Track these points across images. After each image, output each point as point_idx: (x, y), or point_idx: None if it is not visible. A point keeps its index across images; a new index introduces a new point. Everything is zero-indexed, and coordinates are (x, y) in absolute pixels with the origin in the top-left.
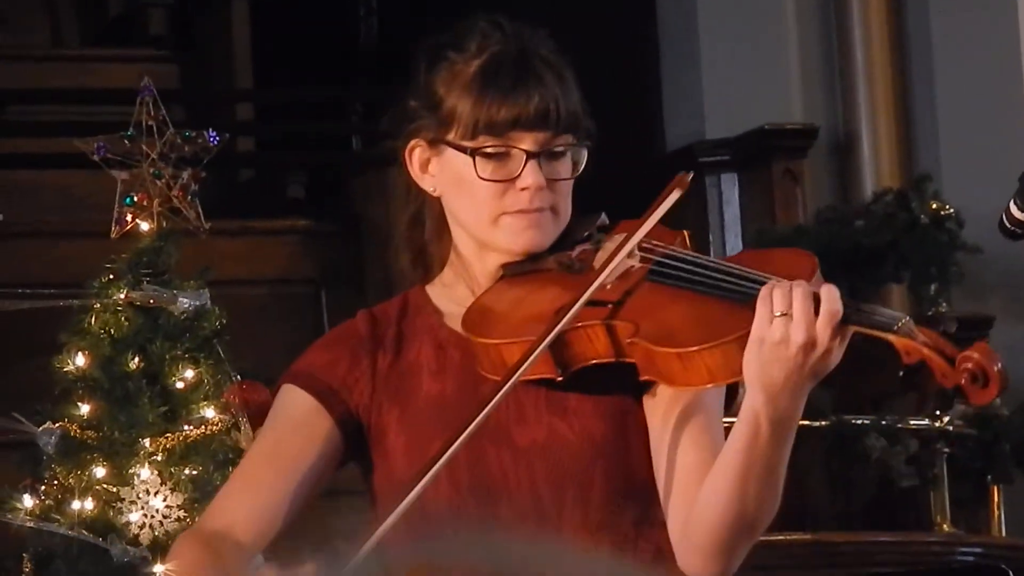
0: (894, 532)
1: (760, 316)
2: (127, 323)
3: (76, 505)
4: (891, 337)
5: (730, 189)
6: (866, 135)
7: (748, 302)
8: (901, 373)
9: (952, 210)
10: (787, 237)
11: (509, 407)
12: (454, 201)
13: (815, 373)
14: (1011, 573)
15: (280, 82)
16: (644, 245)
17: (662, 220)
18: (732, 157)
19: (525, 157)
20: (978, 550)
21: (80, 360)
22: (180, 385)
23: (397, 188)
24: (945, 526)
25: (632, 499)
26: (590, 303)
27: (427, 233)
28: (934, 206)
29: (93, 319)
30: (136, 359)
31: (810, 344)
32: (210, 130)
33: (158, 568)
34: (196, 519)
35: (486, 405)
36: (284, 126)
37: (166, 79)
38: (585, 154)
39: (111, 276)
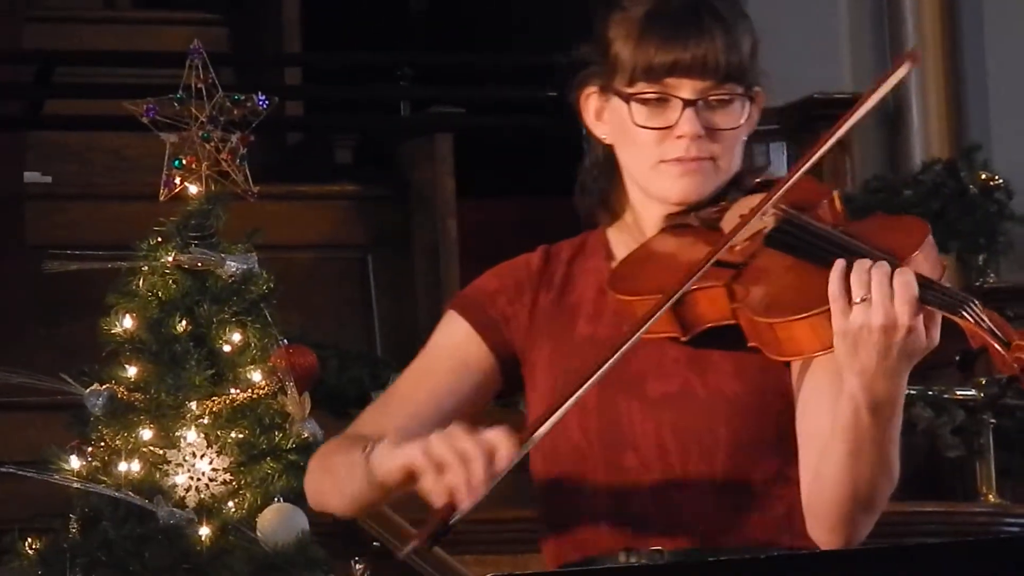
0: (940, 502)
1: (841, 304)
2: (175, 286)
3: (123, 467)
4: (959, 320)
5: (778, 158)
6: (915, 104)
7: None
8: (957, 358)
9: (1001, 180)
10: None
11: (650, 360)
12: (621, 149)
13: (907, 355)
14: None
15: (329, 46)
16: (776, 207)
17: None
18: (781, 126)
19: (682, 105)
20: None
21: (128, 322)
22: (227, 348)
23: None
24: (991, 496)
25: (764, 457)
26: (717, 264)
27: (609, 182)
28: (983, 176)
29: (141, 281)
30: (183, 322)
31: (891, 327)
32: (259, 94)
33: (204, 530)
34: (242, 482)
35: (610, 357)
36: (333, 90)
37: (215, 42)
38: (748, 105)
39: (159, 239)
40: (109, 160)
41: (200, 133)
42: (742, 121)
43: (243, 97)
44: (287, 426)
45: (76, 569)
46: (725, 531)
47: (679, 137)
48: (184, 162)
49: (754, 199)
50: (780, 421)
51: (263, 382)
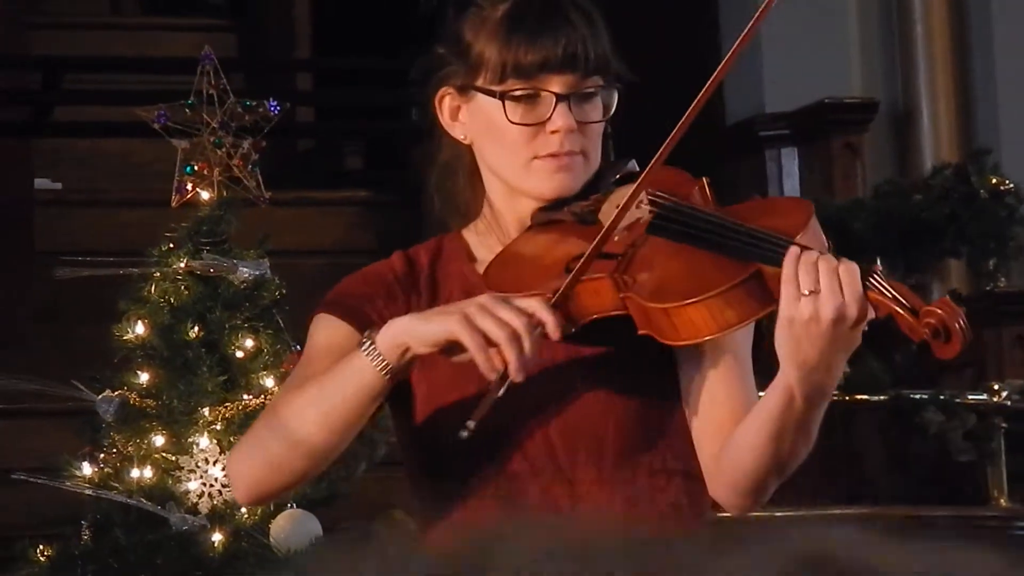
0: (951, 506)
1: (787, 295)
2: (187, 292)
3: (135, 473)
4: (867, 292)
5: (790, 163)
6: (925, 109)
7: (737, 256)
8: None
9: (1011, 184)
10: (845, 211)
11: (531, 362)
12: (485, 147)
13: (848, 346)
14: None
15: (339, 51)
16: (652, 195)
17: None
18: (792, 131)
19: (555, 100)
20: None
21: (140, 328)
22: (239, 354)
23: (428, 137)
24: (1002, 500)
25: (648, 451)
26: (600, 256)
27: (460, 182)
28: (993, 180)
29: (153, 287)
30: (195, 328)
31: (840, 319)
32: (271, 99)
33: (216, 536)
34: None
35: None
36: (343, 95)
37: (225, 48)
38: (615, 97)
39: (171, 245)
40: (119, 166)
41: (212, 139)
42: (609, 114)
43: (255, 103)
44: None
45: None
46: None
47: (553, 132)
48: (196, 168)
49: (627, 189)
50: (664, 415)
51: (275, 388)
